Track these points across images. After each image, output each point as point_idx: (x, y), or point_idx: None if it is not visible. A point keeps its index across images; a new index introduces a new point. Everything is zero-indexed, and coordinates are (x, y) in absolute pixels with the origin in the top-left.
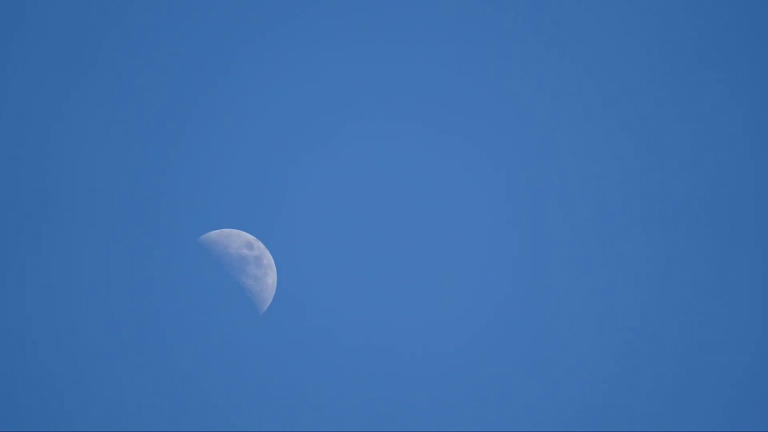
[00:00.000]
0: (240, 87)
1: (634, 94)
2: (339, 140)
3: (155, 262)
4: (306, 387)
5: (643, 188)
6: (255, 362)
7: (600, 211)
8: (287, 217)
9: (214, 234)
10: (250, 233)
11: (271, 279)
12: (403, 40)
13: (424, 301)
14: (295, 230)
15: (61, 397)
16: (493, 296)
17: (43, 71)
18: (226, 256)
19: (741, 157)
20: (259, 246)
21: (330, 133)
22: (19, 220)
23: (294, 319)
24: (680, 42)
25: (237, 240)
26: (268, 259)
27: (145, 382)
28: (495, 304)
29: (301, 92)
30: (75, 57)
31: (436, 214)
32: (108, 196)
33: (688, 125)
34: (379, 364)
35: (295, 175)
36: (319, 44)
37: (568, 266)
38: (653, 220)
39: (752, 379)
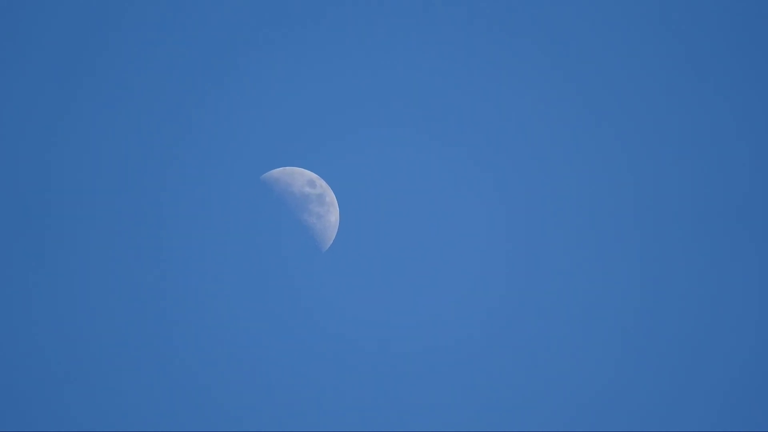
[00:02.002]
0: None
1: (627, 96)
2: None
3: (218, 200)
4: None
5: (637, 189)
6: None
7: (596, 212)
8: (349, 155)
9: (277, 172)
10: (313, 171)
11: (334, 217)
12: (403, 46)
13: (436, 298)
14: (357, 168)
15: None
16: (496, 295)
17: (54, 71)
18: (288, 194)
19: (735, 158)
20: (322, 184)
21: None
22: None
23: (355, 257)
24: (673, 43)
25: (300, 178)
26: (331, 197)
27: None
28: (499, 302)
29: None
30: (92, 51)
31: (436, 214)
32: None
33: (682, 126)
34: (384, 361)
35: (357, 113)
36: (345, 37)
37: (567, 266)
38: (648, 219)
39: (751, 378)
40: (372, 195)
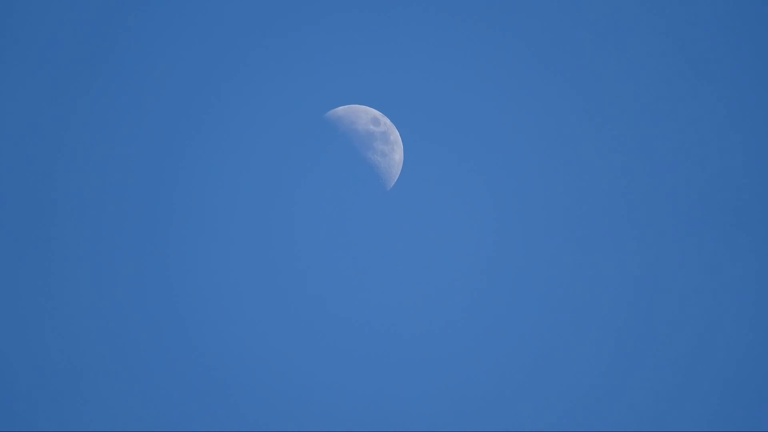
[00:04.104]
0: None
1: (620, 94)
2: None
3: (280, 139)
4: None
5: (632, 187)
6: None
7: (589, 209)
8: (413, 93)
9: (341, 110)
10: (377, 109)
11: (398, 155)
12: (400, 45)
13: (425, 294)
14: (422, 106)
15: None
16: (496, 294)
17: (58, 71)
18: (353, 132)
19: (730, 158)
20: (386, 122)
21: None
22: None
23: (420, 196)
24: (671, 43)
25: (364, 116)
26: (395, 135)
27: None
28: (499, 301)
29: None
30: (96, 52)
31: (434, 214)
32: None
33: (677, 125)
34: (383, 361)
35: (419, 53)
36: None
37: (563, 264)
38: (642, 217)
39: (749, 378)
40: (437, 133)
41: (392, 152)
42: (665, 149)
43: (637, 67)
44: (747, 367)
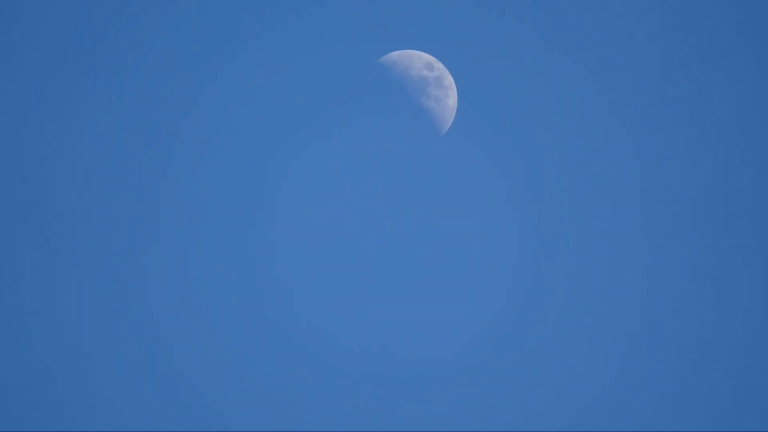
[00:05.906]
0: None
1: (635, 93)
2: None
3: (335, 81)
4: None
5: (644, 189)
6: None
7: (601, 212)
8: (466, 38)
9: (395, 55)
10: (431, 54)
11: (452, 100)
12: (403, 38)
13: (427, 302)
14: (473, 52)
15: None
16: (496, 296)
17: (48, 69)
18: (407, 77)
19: (741, 157)
20: (439, 67)
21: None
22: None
23: (474, 144)
24: (680, 40)
25: (418, 61)
26: (449, 80)
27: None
28: (499, 303)
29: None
30: (85, 53)
31: (436, 215)
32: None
33: (688, 124)
34: (383, 363)
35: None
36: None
37: (569, 268)
38: (654, 221)
39: (752, 379)
40: (489, 79)
41: (446, 97)
42: (678, 151)
43: (646, 66)
44: (754, 371)
